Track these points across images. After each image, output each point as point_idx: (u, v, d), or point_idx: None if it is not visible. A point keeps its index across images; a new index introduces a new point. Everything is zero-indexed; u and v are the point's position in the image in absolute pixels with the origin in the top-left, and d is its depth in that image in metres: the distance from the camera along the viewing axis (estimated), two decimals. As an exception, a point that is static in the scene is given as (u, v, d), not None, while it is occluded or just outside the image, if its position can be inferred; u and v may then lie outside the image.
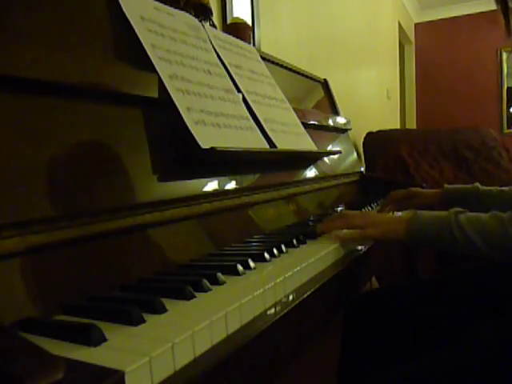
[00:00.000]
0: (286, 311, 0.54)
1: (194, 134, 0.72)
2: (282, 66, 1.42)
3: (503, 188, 1.08)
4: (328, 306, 0.74)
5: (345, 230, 0.84)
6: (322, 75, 1.78)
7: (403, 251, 1.81)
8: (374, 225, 0.81)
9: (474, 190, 1.11)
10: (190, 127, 0.72)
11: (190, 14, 0.97)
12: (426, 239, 0.78)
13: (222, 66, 0.96)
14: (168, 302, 0.48)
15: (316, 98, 1.68)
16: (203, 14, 1.09)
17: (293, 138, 1.10)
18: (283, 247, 0.73)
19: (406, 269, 1.99)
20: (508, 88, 5.16)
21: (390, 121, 4.35)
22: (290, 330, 0.57)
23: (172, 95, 0.73)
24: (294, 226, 1.00)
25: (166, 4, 0.88)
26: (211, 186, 0.79)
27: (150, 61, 0.73)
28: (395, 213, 1.17)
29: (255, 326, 0.49)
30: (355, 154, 1.75)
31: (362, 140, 2.77)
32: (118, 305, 0.49)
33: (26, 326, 0.43)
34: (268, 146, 0.95)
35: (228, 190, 0.83)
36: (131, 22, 0.74)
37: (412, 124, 5.48)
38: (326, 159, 1.40)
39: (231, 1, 1.57)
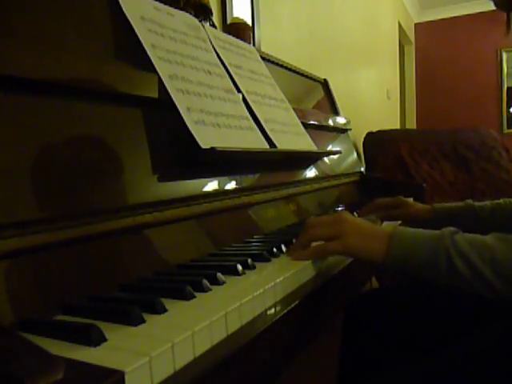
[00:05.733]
0: (286, 311, 0.54)
1: (194, 134, 0.72)
2: (282, 66, 1.42)
3: (498, 201, 1.02)
4: (329, 305, 0.74)
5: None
6: (322, 75, 1.78)
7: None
8: (342, 236, 0.64)
9: (466, 208, 1.04)
10: (189, 127, 0.72)
11: (190, 14, 0.97)
12: (413, 266, 0.62)
13: (221, 66, 0.96)
14: (168, 302, 0.48)
15: (316, 98, 1.68)
16: (203, 13, 1.09)
17: (293, 137, 1.10)
18: (283, 247, 0.73)
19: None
20: (508, 88, 5.16)
21: (389, 121, 4.35)
22: (289, 330, 0.57)
23: (172, 95, 0.73)
24: (294, 226, 1.00)
25: (165, 4, 0.88)
26: (211, 186, 0.79)
27: (150, 61, 0.73)
28: (378, 222, 1.10)
29: (255, 326, 0.49)
30: (355, 154, 1.75)
31: (362, 140, 2.77)
32: (117, 305, 0.49)
33: (26, 326, 0.43)
34: (268, 146, 0.95)
35: (228, 190, 0.83)
36: (131, 21, 0.74)
37: (412, 124, 5.49)
38: (325, 159, 1.40)
39: (231, 1, 1.57)
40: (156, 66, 0.73)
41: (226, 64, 0.98)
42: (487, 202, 1.04)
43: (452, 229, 0.63)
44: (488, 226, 1.02)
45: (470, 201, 1.06)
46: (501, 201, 1.03)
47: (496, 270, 0.58)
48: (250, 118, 0.94)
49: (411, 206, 1.10)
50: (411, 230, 0.65)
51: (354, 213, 1.17)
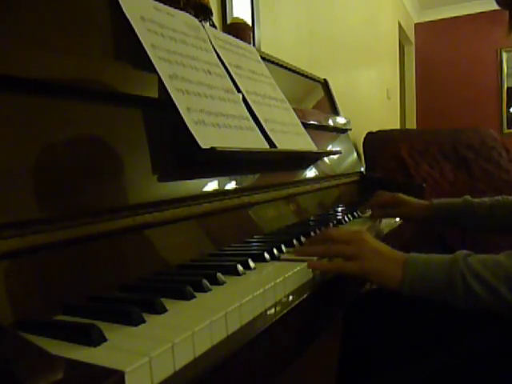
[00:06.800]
0: (286, 311, 0.54)
1: (194, 134, 0.72)
2: (282, 66, 1.42)
3: (497, 198, 1.03)
4: (329, 305, 0.74)
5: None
6: (322, 75, 1.78)
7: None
8: (360, 258, 0.65)
9: (465, 204, 1.04)
10: (189, 127, 0.72)
11: (190, 14, 0.97)
12: (430, 291, 0.62)
13: (221, 66, 0.96)
14: (168, 302, 0.48)
15: (316, 98, 1.68)
16: (203, 14, 1.09)
17: (293, 137, 1.10)
18: (283, 247, 0.73)
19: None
20: (508, 88, 5.16)
21: (390, 121, 4.35)
22: (289, 330, 0.57)
23: (172, 95, 0.73)
24: (294, 226, 1.00)
25: (165, 4, 0.88)
26: (211, 185, 0.79)
27: (150, 61, 0.73)
28: (377, 221, 1.12)
29: (255, 325, 0.49)
30: (355, 154, 1.75)
31: (362, 140, 2.77)
32: (117, 305, 0.49)
33: (26, 326, 0.43)
34: (268, 146, 0.95)
35: (228, 190, 0.83)
36: (131, 21, 0.74)
37: (412, 124, 5.48)
38: (325, 159, 1.40)
39: (231, 1, 1.57)
40: (156, 66, 0.73)
41: (226, 64, 0.98)
42: (485, 199, 1.04)
43: (464, 251, 0.63)
44: (486, 223, 1.02)
45: (468, 197, 1.06)
46: (499, 198, 1.03)
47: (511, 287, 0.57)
48: (250, 118, 0.94)
49: (410, 203, 1.10)
50: (424, 256, 0.65)
51: (354, 214, 1.17)
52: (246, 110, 0.95)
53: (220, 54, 0.98)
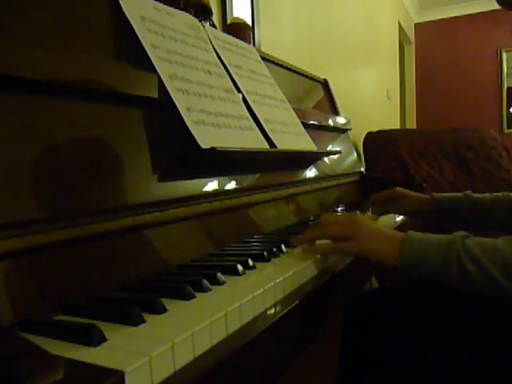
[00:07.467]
0: (286, 311, 0.54)
1: (194, 134, 0.72)
2: (282, 66, 1.42)
3: (497, 194, 1.03)
4: (329, 305, 0.74)
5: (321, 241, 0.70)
6: (322, 75, 1.78)
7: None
8: (357, 237, 0.65)
9: (466, 199, 1.04)
10: (189, 127, 0.72)
11: (190, 14, 0.97)
12: (425, 270, 0.63)
13: (221, 66, 0.96)
14: (168, 302, 0.48)
15: (316, 98, 1.68)
16: (203, 13, 1.09)
17: (293, 137, 1.10)
18: (283, 247, 0.73)
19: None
20: (508, 88, 5.16)
21: (390, 121, 4.35)
22: (290, 330, 0.57)
23: (172, 95, 0.73)
24: (294, 226, 1.00)
25: (165, 4, 0.88)
26: (211, 185, 0.79)
27: (150, 61, 0.73)
28: (381, 218, 1.12)
29: (255, 326, 0.49)
30: (355, 154, 1.75)
31: (362, 140, 2.77)
32: (117, 305, 0.49)
33: (26, 326, 0.43)
34: (268, 146, 0.95)
35: (228, 190, 0.83)
36: (131, 22, 0.74)
37: (412, 124, 5.48)
38: (326, 159, 1.40)
39: (231, 1, 1.57)
40: (156, 66, 0.73)
41: (226, 64, 0.98)
42: (487, 195, 1.04)
43: (462, 233, 0.64)
44: (487, 218, 1.03)
45: (469, 192, 1.06)
46: (500, 194, 1.03)
47: (506, 273, 0.58)
48: (250, 118, 0.94)
49: (410, 196, 1.09)
50: (422, 234, 0.65)
51: (357, 211, 1.17)
52: (246, 110, 0.95)
53: (220, 54, 0.98)
